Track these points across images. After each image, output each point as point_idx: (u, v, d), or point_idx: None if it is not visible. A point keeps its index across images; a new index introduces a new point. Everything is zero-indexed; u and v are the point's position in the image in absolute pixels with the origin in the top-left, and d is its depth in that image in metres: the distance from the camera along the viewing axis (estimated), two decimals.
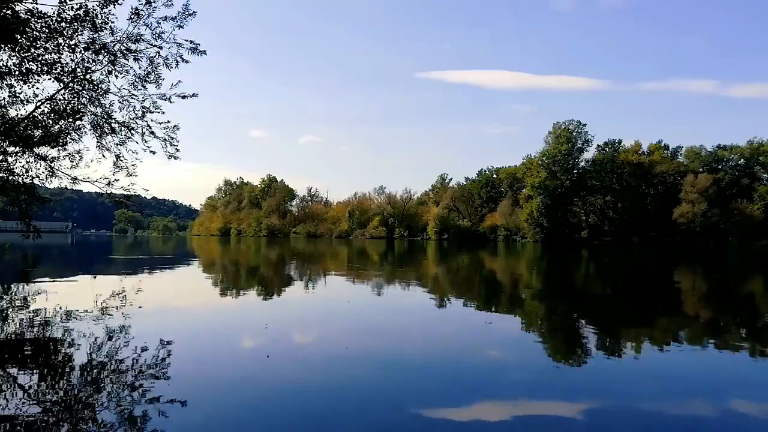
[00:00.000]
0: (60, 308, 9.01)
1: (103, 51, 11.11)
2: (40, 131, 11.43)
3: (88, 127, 12.06)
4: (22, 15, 10.04)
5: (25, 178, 11.94)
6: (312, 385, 5.03)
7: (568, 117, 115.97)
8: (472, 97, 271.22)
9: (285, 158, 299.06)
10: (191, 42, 11.70)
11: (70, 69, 11.08)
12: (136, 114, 12.02)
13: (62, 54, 10.82)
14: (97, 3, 10.53)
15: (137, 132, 12.13)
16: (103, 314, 8.50)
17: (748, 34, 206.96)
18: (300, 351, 6.57)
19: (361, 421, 4.10)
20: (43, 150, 11.85)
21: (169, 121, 12.25)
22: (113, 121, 12.08)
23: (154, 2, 11.10)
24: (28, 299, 10.45)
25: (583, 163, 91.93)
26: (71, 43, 10.73)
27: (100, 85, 11.68)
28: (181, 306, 10.56)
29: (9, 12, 9.88)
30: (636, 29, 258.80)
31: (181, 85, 11.86)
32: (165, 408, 4.18)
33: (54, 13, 10.30)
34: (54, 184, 12.53)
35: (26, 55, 10.41)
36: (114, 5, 10.68)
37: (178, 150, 12.46)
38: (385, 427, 4.00)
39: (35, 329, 7.34)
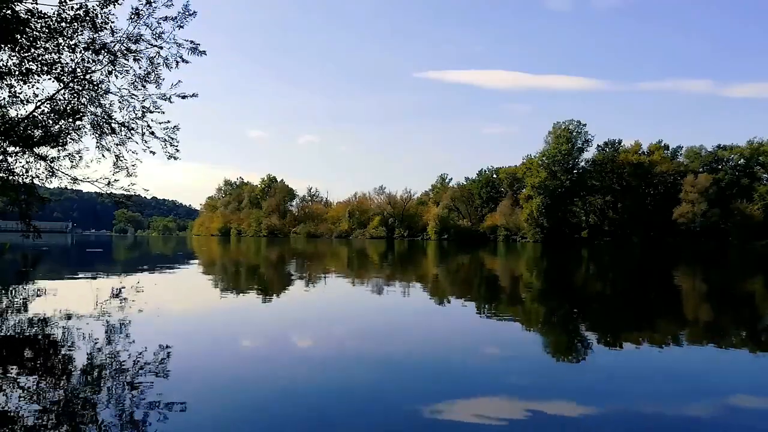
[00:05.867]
0: (59, 309, 9.00)
1: (103, 51, 11.10)
2: (40, 131, 11.42)
3: (88, 127, 12.06)
4: (22, 15, 10.03)
5: (25, 178, 11.94)
6: (312, 386, 5.02)
7: (568, 117, 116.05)
8: (471, 96, 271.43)
9: (284, 158, 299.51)
10: (191, 42, 11.71)
11: (70, 69, 11.08)
12: (136, 114, 12.03)
13: (62, 54, 10.82)
14: (97, 3, 10.53)
15: (137, 132, 12.13)
16: (103, 315, 8.49)
17: (746, 34, 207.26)
18: (299, 352, 6.57)
19: (361, 421, 4.10)
20: (43, 150, 11.85)
21: (169, 122, 12.27)
22: (113, 121, 12.08)
23: (154, 2, 11.11)
24: (28, 300, 10.45)
25: (583, 163, 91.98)
26: (71, 43, 10.73)
27: (100, 85, 11.68)
28: (181, 307, 10.55)
29: (9, 12, 9.87)
30: (634, 29, 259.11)
31: (181, 85, 11.86)
32: (165, 409, 4.18)
33: (54, 13, 10.31)
34: (54, 184, 12.55)
35: (26, 55, 10.40)
36: (114, 5, 10.67)
37: (178, 150, 12.47)
38: (385, 428, 3.99)
39: (35, 330, 7.33)
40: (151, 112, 12.05)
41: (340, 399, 4.62)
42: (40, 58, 10.58)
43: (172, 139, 12.34)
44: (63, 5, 10.26)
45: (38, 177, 12.09)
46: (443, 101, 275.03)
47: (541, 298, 12.76)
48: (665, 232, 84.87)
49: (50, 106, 11.39)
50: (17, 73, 10.52)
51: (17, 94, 10.95)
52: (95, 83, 11.61)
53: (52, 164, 12.10)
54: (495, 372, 5.73)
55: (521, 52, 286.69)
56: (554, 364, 6.19)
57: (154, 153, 12.35)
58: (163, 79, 11.83)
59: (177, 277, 17.73)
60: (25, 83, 10.77)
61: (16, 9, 9.99)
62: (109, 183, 12.20)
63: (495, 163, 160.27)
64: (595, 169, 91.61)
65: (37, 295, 11.01)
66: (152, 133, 12.14)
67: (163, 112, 12.12)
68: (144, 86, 11.82)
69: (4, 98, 11.00)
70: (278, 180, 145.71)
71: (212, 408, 4.33)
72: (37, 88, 11.01)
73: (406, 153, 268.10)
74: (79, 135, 12.05)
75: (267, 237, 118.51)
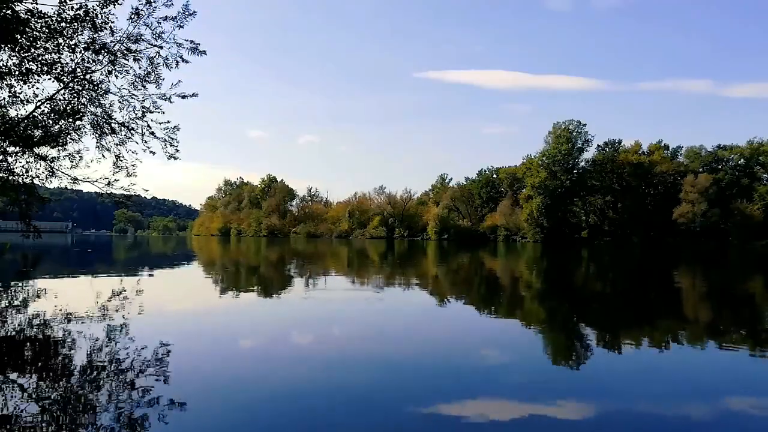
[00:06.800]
0: (60, 309, 9.00)
1: (103, 51, 11.09)
2: (40, 131, 11.41)
3: (88, 127, 12.04)
4: (22, 15, 10.02)
5: (25, 178, 11.92)
6: (312, 386, 5.02)
7: (568, 117, 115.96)
8: (471, 96, 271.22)
9: (284, 158, 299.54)
10: (191, 42, 11.69)
11: (70, 69, 11.06)
12: (136, 114, 12.01)
13: (62, 54, 10.81)
14: (97, 3, 10.51)
15: (137, 132, 12.11)
16: (103, 315, 8.49)
17: (746, 34, 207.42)
18: (300, 352, 6.56)
19: (361, 421, 4.10)
20: (43, 150, 11.83)
21: (169, 122, 12.23)
22: (113, 121, 12.06)
23: (154, 2, 11.09)
24: (28, 300, 10.45)
25: (583, 163, 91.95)
26: (71, 43, 10.71)
27: (100, 85, 11.66)
28: (181, 307, 10.55)
29: (9, 12, 9.87)
30: (634, 29, 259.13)
31: (181, 85, 11.85)
32: (164, 409, 4.18)
33: (54, 13, 10.29)
34: (54, 184, 12.52)
35: (26, 55, 10.39)
36: (114, 5, 10.66)
37: (178, 150, 12.44)
38: (385, 428, 3.99)
39: (35, 330, 7.33)
40: (151, 112, 12.03)
41: (340, 399, 4.62)
42: (40, 58, 10.57)
43: (172, 139, 12.33)
44: (63, 5, 10.25)
45: (38, 177, 12.08)
46: (443, 101, 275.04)
47: (541, 298, 12.76)
48: (665, 232, 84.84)
49: (50, 106, 11.37)
50: (17, 73, 10.51)
51: (17, 94, 10.94)
52: (95, 83, 11.59)
53: (52, 164, 12.09)
54: (495, 372, 5.73)
55: (521, 52, 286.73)
56: (554, 364, 6.19)
57: (154, 153, 12.34)
58: (163, 79, 11.81)
59: (177, 277, 17.74)
60: (25, 83, 10.76)
61: (16, 9, 9.98)
62: (109, 183, 12.19)
63: (495, 163, 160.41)
64: (595, 169, 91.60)
65: (37, 295, 11.01)
66: (152, 133, 12.12)
67: (163, 112, 12.11)
68: (144, 86, 11.80)
69: (4, 98, 10.99)
70: (278, 180, 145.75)
71: (212, 408, 4.33)
72: (37, 88, 11.00)
73: (406, 153, 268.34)
74: (79, 135, 12.03)
75: (267, 237, 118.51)
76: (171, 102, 11.94)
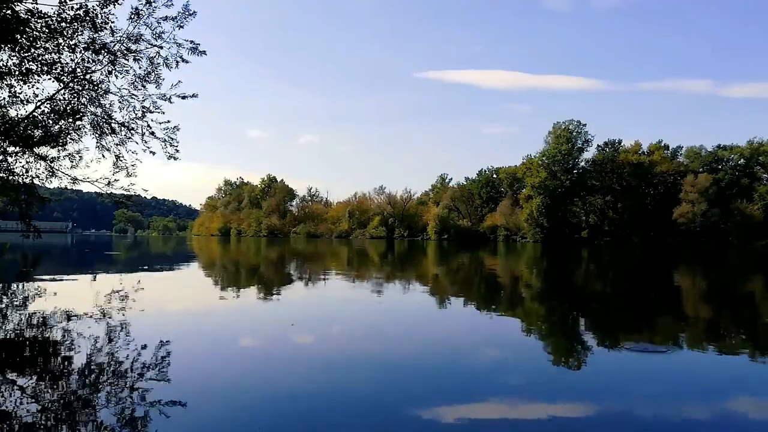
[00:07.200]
0: (59, 309, 9.00)
1: (103, 51, 11.09)
2: (40, 131, 11.41)
3: (88, 127, 12.04)
4: (22, 15, 10.02)
5: (25, 178, 11.92)
6: (312, 386, 5.02)
7: (568, 117, 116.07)
8: (471, 96, 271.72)
9: (284, 158, 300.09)
10: (191, 42, 11.69)
11: (70, 69, 11.06)
12: (136, 114, 12.01)
13: (62, 54, 10.81)
14: (97, 3, 10.51)
15: (137, 132, 12.11)
16: (103, 315, 8.49)
17: (746, 34, 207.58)
18: (300, 352, 6.56)
19: (361, 422, 4.09)
20: (43, 150, 11.83)
21: (169, 122, 12.24)
22: (113, 121, 12.06)
23: (154, 2, 11.09)
24: (28, 299, 10.44)
25: (583, 163, 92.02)
26: (71, 43, 10.72)
27: (100, 85, 11.66)
28: (181, 307, 10.55)
29: (9, 12, 9.87)
30: (634, 29, 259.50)
31: (181, 85, 11.85)
32: (165, 410, 4.18)
33: (54, 13, 10.30)
34: (54, 184, 12.53)
35: (26, 55, 10.39)
36: (114, 5, 10.66)
37: (178, 151, 12.45)
38: (385, 429, 3.99)
39: (34, 330, 7.33)
40: (151, 112, 12.04)
41: (340, 399, 4.62)
42: (40, 58, 10.57)
43: (172, 139, 12.33)
44: (63, 5, 10.25)
45: (38, 177, 12.08)
46: (443, 101, 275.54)
47: (541, 298, 12.76)
48: (665, 232, 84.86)
49: (50, 106, 11.37)
50: (17, 73, 10.51)
51: (17, 94, 10.94)
52: (95, 83, 11.59)
53: (52, 164, 12.09)
54: (496, 372, 5.73)
55: (521, 52, 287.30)
56: (554, 364, 6.18)
57: (154, 153, 12.34)
58: (163, 79, 11.82)
59: (177, 277, 17.73)
60: (25, 83, 10.76)
61: (16, 9, 9.98)
62: (109, 183, 12.19)
63: (495, 163, 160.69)
64: (595, 169, 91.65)
65: (37, 295, 11.01)
66: (152, 133, 12.12)
67: (163, 112, 12.11)
68: (144, 86, 11.81)
69: (4, 98, 10.99)
70: (278, 180, 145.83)
71: (212, 409, 4.33)
72: (37, 88, 11.00)
73: (406, 153, 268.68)
74: (79, 135, 12.03)
75: (267, 237, 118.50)
76: (171, 102, 11.96)
